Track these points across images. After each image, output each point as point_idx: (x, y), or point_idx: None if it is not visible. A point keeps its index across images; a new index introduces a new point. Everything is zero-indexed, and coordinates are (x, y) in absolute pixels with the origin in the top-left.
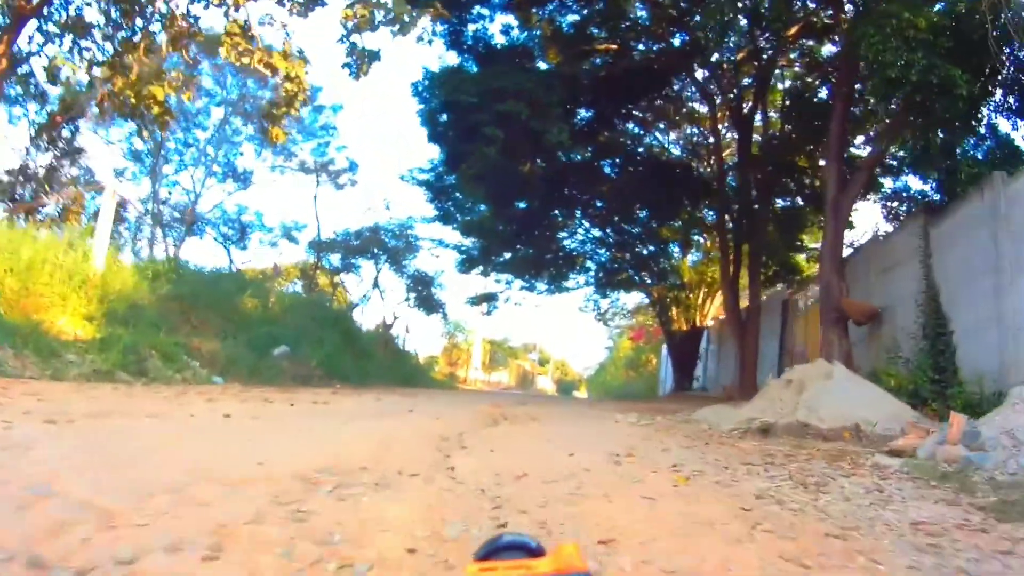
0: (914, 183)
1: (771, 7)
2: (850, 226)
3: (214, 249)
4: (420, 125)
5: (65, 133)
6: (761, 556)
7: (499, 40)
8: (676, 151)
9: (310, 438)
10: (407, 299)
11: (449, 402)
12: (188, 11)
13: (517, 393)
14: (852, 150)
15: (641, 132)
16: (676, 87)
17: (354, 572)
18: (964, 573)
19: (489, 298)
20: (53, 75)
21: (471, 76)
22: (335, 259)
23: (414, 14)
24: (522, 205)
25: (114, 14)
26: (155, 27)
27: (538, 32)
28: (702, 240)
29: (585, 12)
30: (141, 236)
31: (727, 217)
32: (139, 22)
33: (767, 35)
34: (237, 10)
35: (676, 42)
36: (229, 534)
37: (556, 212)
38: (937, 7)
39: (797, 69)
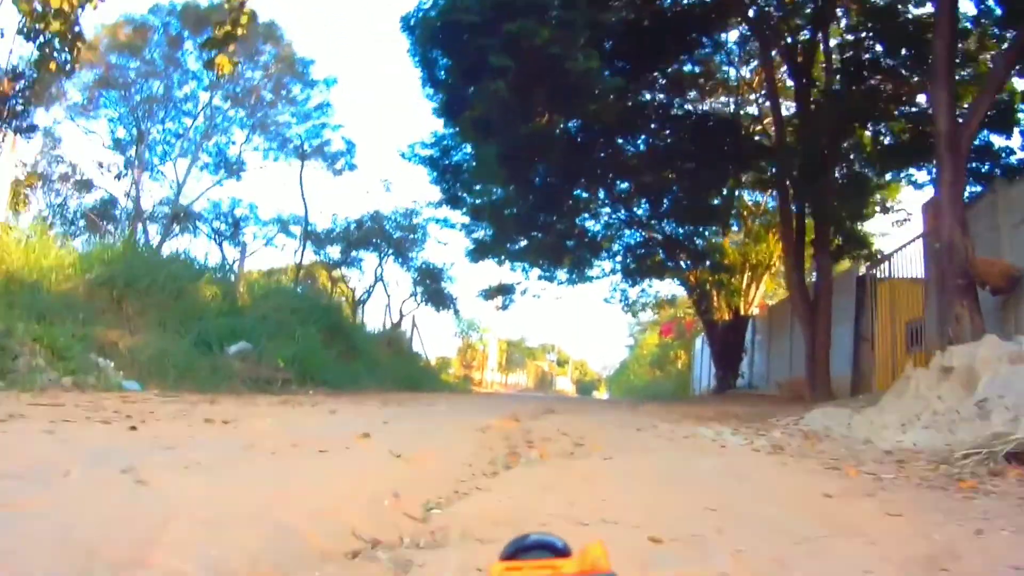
0: None
1: None
2: None
3: (208, 246)
4: (414, 66)
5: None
6: None
7: None
8: (721, 109)
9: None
10: (414, 294)
11: (451, 411)
12: None
13: (538, 396)
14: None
15: (680, 89)
16: (720, 34)
17: None
18: None
19: (504, 290)
20: None
21: None
22: (334, 252)
23: None
24: (539, 177)
25: None
26: None
27: None
28: (747, 216)
29: None
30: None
31: (787, 181)
32: None
33: None
34: None
35: None
36: None
37: (579, 189)
38: None
39: None
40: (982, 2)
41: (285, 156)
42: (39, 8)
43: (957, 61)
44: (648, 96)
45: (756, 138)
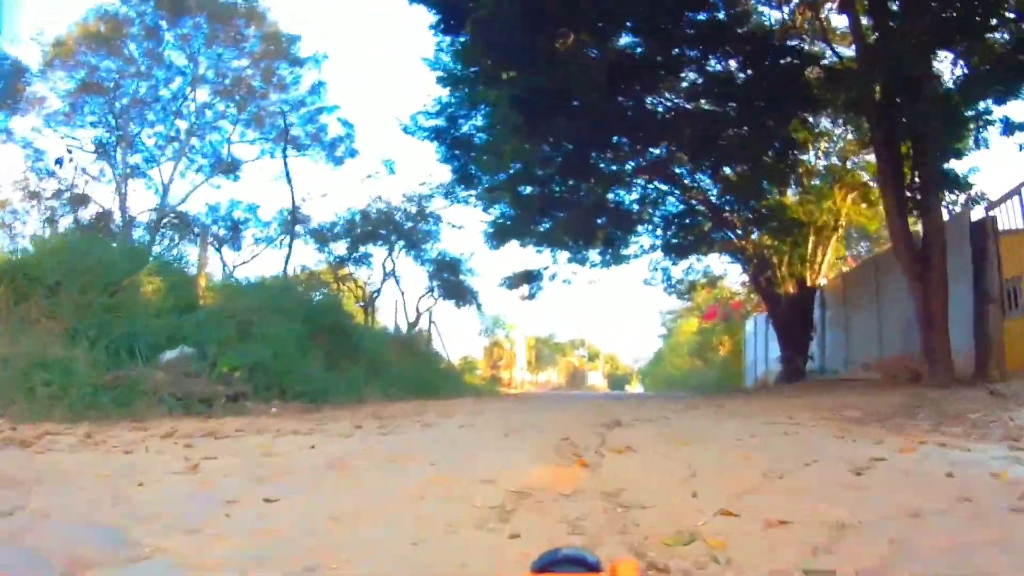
0: None
1: None
2: None
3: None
4: None
5: None
6: None
7: None
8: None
9: None
10: (430, 289)
11: (455, 443)
12: None
13: (575, 395)
14: None
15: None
16: None
17: None
18: None
19: (529, 277)
20: None
21: None
22: (340, 249)
23: None
24: (564, 132)
25: None
26: None
27: None
28: (803, 174)
29: None
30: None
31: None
32: None
33: None
34: None
35: None
36: None
37: (610, 149)
38: None
39: None
40: None
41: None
42: None
43: None
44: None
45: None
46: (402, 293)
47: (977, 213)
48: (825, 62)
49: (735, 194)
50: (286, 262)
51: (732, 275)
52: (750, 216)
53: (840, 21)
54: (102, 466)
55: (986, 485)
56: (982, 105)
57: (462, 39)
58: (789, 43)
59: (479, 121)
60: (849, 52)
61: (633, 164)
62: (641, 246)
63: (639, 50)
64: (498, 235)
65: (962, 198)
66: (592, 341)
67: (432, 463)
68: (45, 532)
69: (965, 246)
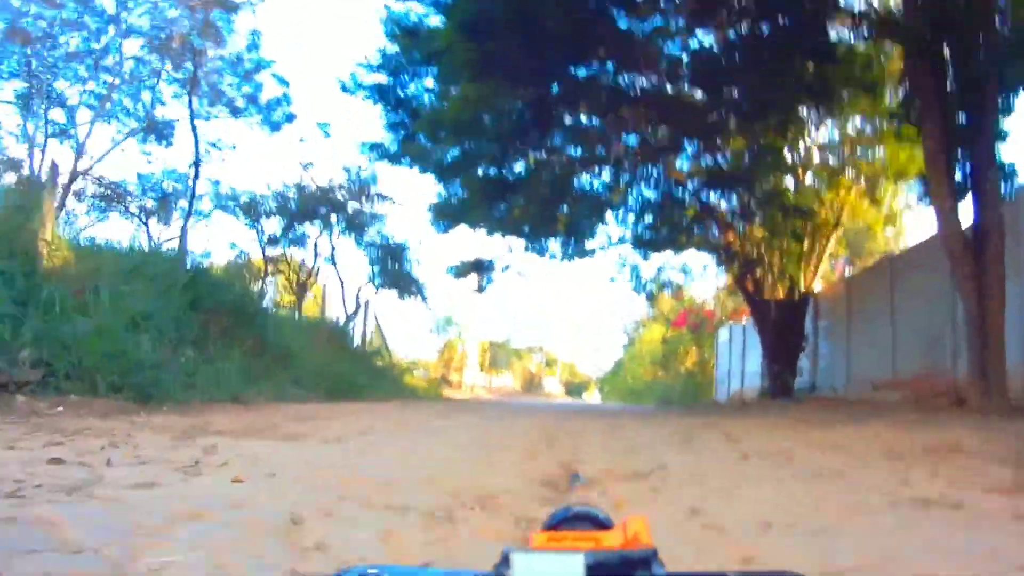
0: None
1: None
2: None
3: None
4: None
5: None
6: None
7: None
8: None
9: None
10: (372, 278)
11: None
12: None
13: (529, 404)
14: None
15: None
16: None
17: None
18: None
19: (480, 267)
20: None
21: None
22: (273, 227)
23: None
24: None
25: None
26: None
27: None
28: (799, 164)
29: None
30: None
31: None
32: None
33: None
34: None
35: None
36: None
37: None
38: None
39: None
40: None
41: (219, 113)
42: None
43: None
44: None
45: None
46: (341, 281)
47: None
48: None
49: (725, 178)
50: (184, 228)
51: (709, 278)
52: (744, 202)
53: None
54: None
55: None
56: None
57: None
58: None
59: (427, 82)
60: None
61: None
62: (609, 237)
63: None
64: (446, 216)
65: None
66: (550, 348)
67: None
68: None
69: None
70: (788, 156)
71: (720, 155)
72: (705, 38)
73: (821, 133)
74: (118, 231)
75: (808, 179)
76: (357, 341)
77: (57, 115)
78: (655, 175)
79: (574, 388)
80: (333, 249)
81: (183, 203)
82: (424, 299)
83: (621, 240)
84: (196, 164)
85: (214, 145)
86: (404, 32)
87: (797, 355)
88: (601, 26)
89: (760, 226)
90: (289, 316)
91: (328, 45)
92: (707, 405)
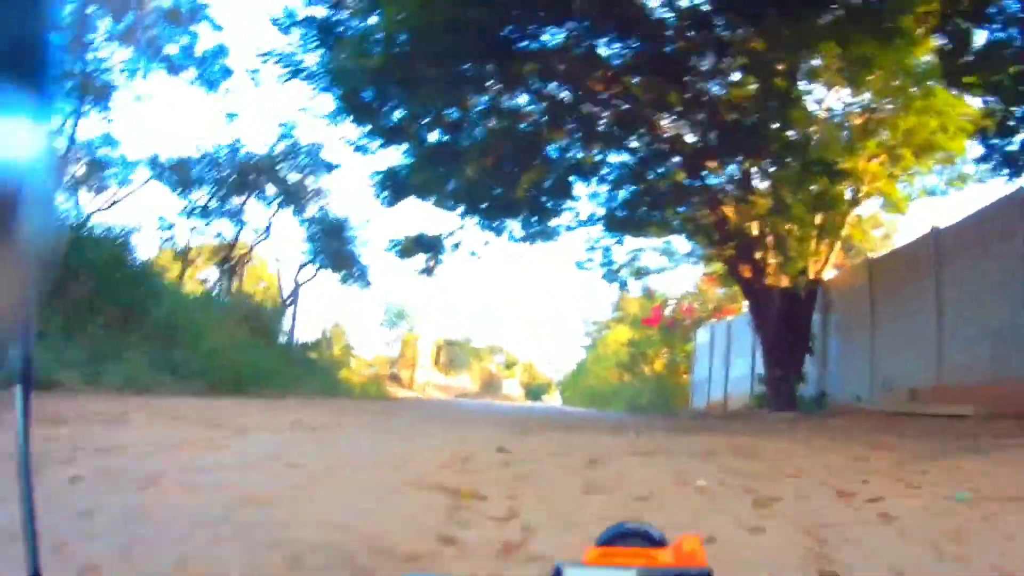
0: None
1: None
2: None
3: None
4: None
5: None
6: None
7: None
8: None
9: None
10: (311, 257)
11: None
12: None
13: (484, 406)
14: None
15: None
16: None
17: None
18: None
19: (426, 244)
20: None
21: None
22: (201, 198)
23: None
24: None
25: None
26: None
27: None
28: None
29: None
30: None
31: None
32: None
33: None
34: None
35: None
36: None
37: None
38: None
39: None
40: None
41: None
42: None
43: None
44: None
45: None
46: (277, 260)
47: None
48: None
49: (728, 130)
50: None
51: (691, 267)
52: (745, 167)
53: None
54: None
55: None
56: None
57: None
58: None
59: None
60: None
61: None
62: (577, 215)
63: None
64: (391, 187)
65: None
66: (510, 348)
67: None
68: None
69: None
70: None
71: (720, 108)
72: None
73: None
74: None
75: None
76: (292, 329)
77: None
78: (636, 136)
79: (534, 390)
80: (269, 225)
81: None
82: (366, 283)
83: (591, 219)
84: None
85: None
86: None
87: (803, 357)
88: None
89: (767, 192)
90: (187, 293)
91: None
92: (688, 415)
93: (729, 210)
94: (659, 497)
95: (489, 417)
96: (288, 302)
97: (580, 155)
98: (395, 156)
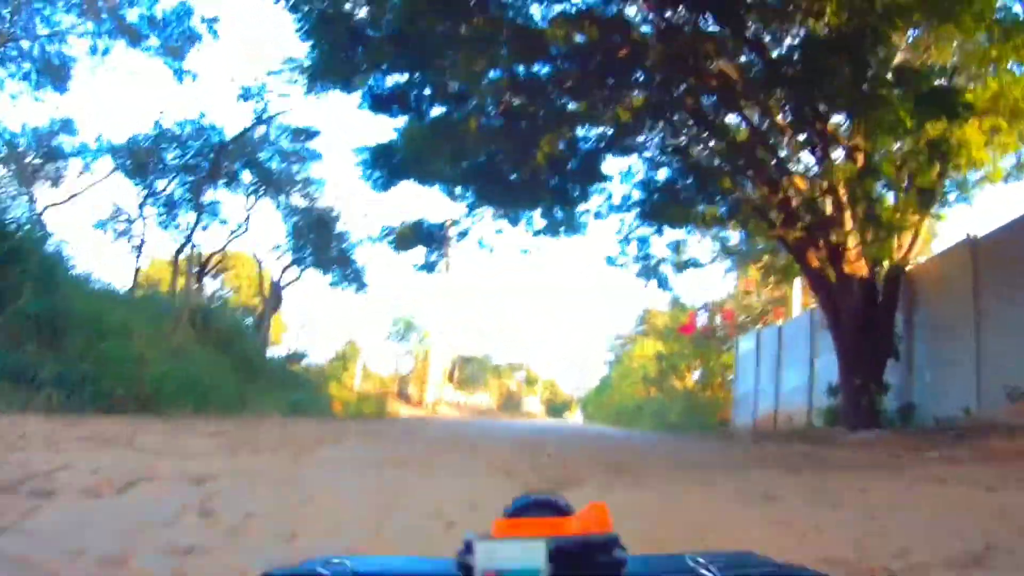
0: None
1: None
2: None
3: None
4: None
5: None
6: None
7: None
8: None
9: None
10: (293, 255)
11: None
12: None
13: (491, 428)
14: None
15: None
16: None
17: None
18: None
19: (424, 233)
20: None
21: None
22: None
23: None
24: None
25: None
26: None
27: None
28: None
29: None
30: None
31: None
32: None
33: None
34: None
35: None
36: None
37: None
38: None
39: None
40: None
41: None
42: None
43: None
44: None
45: None
46: (259, 261)
47: None
48: None
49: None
50: None
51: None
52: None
53: None
54: None
55: None
56: None
57: None
58: None
59: None
60: None
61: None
62: (610, 198)
63: None
64: (384, 165)
65: None
66: (532, 366)
67: None
68: None
69: None
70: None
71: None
72: None
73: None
74: None
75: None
76: (266, 337)
77: None
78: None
79: (555, 408)
80: (247, 218)
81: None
82: (361, 286)
83: (625, 204)
84: None
85: None
86: None
87: (885, 361)
88: None
89: (852, 149)
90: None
91: None
92: (741, 436)
93: (799, 181)
94: None
95: (503, 447)
96: (269, 307)
97: (612, 130)
98: (388, 130)
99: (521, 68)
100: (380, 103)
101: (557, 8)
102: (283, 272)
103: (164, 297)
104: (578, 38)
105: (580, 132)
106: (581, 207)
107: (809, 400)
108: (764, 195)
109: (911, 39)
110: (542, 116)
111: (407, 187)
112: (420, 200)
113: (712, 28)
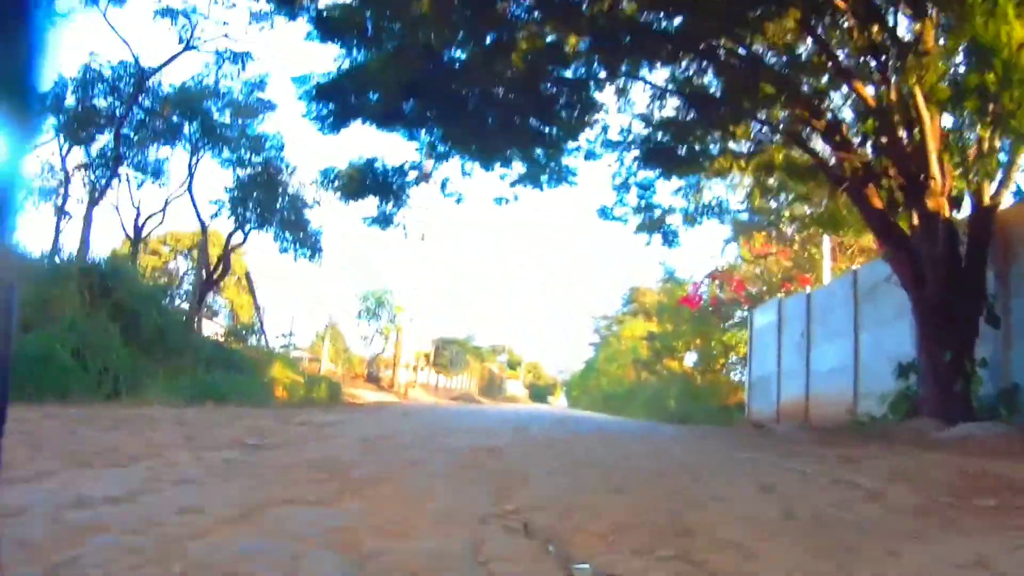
0: None
1: None
2: None
3: None
4: None
5: None
6: None
7: None
8: None
9: None
10: (232, 213)
11: None
12: None
13: (454, 416)
14: None
15: None
16: None
17: None
18: None
19: (375, 178)
20: None
21: None
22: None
23: None
24: None
25: None
26: None
27: None
28: None
29: None
30: None
31: None
32: None
33: None
34: None
35: None
36: None
37: None
38: None
39: None
40: None
41: None
42: None
43: None
44: None
45: None
46: (202, 223)
47: None
48: None
49: None
50: None
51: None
52: None
53: None
54: None
55: None
56: None
57: None
58: None
59: None
60: None
61: None
62: (605, 131)
63: None
64: (331, 101)
65: None
66: (515, 348)
67: None
68: None
69: None
70: None
71: None
72: None
73: None
74: None
75: None
76: (199, 312)
77: None
78: None
79: (539, 391)
80: (191, 174)
81: None
82: (316, 253)
83: (624, 141)
84: None
85: None
86: None
87: (976, 330)
88: None
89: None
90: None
91: None
92: (780, 432)
93: (861, 89)
94: None
95: (440, 476)
96: (198, 274)
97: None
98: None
99: None
100: (328, 28)
101: None
102: (229, 237)
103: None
104: None
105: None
106: (570, 144)
107: (854, 383)
108: (803, 117)
109: None
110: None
111: (366, 133)
112: (382, 148)
113: None
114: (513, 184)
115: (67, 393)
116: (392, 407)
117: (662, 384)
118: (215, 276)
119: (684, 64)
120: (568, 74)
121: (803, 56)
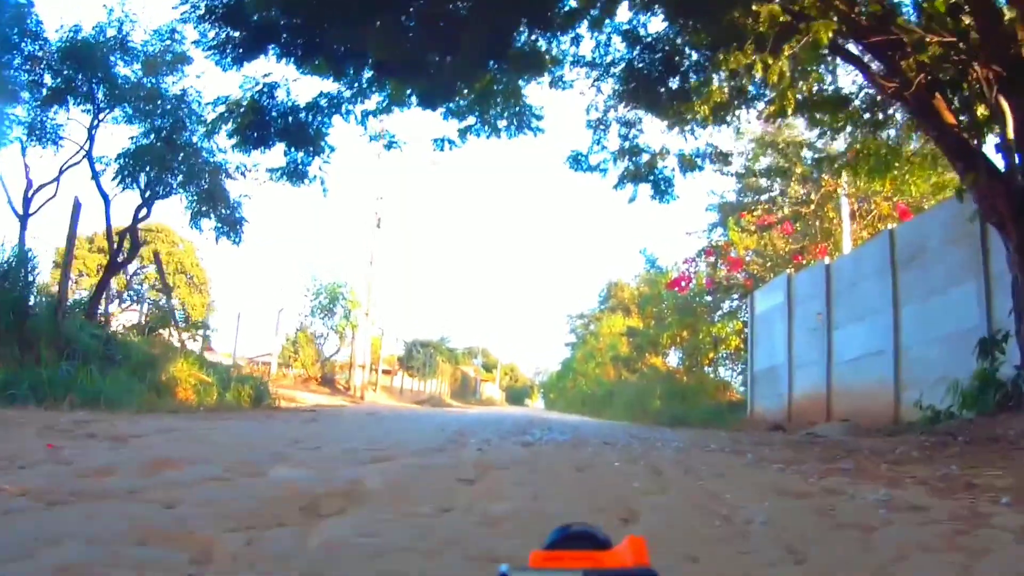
0: None
1: None
2: None
3: None
4: None
5: None
6: None
7: None
8: None
9: None
10: (123, 173)
11: None
12: None
13: (405, 434)
14: None
15: None
16: None
17: None
18: None
19: (281, 120)
20: None
21: None
22: None
23: None
24: None
25: None
26: None
27: None
28: None
29: None
30: None
31: None
32: None
33: None
34: None
35: None
36: None
37: None
38: None
39: None
40: None
41: None
42: None
43: None
44: None
45: None
46: (104, 194)
47: None
48: None
49: None
50: None
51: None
52: None
53: None
54: None
55: None
56: None
57: None
58: None
59: None
60: None
61: None
62: (578, 51)
63: None
64: (241, 29)
65: None
66: (492, 350)
67: None
68: None
69: None
70: None
71: None
72: None
73: None
74: None
75: None
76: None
77: None
78: None
79: (516, 394)
80: (91, 137)
81: None
82: (237, 233)
83: (601, 61)
84: None
85: None
86: None
87: None
88: None
89: None
90: None
91: None
92: (812, 441)
93: None
94: None
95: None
96: (130, 250)
97: None
98: None
99: None
100: None
101: None
102: (137, 211)
103: None
104: None
105: None
106: (531, 73)
107: (894, 370)
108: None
109: None
110: None
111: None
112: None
113: None
114: (463, 134)
115: None
116: (306, 413)
117: (645, 383)
118: (119, 259)
119: None
120: None
121: None
